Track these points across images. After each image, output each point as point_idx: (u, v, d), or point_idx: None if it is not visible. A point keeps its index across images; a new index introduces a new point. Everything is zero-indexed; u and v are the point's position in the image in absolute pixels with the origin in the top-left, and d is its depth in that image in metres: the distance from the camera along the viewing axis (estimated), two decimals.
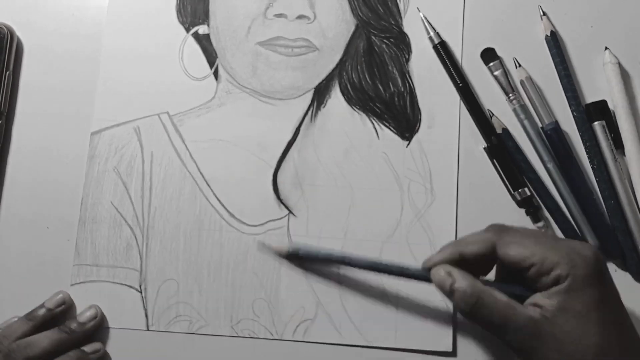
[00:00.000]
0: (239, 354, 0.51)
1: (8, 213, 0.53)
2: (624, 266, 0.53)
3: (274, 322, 0.52)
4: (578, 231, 0.53)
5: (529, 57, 0.55)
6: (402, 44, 0.56)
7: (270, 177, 0.54)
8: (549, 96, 0.55)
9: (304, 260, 0.51)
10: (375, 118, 0.55)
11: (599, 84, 0.55)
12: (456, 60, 0.55)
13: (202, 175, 0.54)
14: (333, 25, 0.56)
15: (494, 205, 0.54)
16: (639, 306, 0.51)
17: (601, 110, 0.54)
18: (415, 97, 0.55)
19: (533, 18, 0.56)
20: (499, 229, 0.45)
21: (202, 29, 0.56)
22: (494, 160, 0.54)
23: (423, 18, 0.56)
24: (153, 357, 0.51)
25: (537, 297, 0.42)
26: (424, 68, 0.56)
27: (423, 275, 0.46)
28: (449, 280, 0.43)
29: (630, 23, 0.56)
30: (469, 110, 0.55)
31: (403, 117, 0.55)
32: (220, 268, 0.52)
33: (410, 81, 0.55)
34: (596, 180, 0.53)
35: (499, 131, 0.54)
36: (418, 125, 0.55)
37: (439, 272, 0.44)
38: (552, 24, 0.55)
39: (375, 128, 0.55)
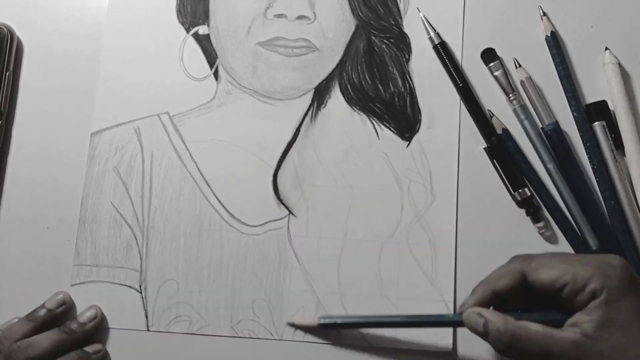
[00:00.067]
0: (239, 354, 0.51)
1: (8, 213, 0.53)
2: None
3: (274, 322, 0.52)
4: (578, 231, 0.53)
5: (529, 58, 0.55)
6: (402, 44, 0.56)
7: (270, 178, 0.54)
8: (549, 96, 0.55)
9: (339, 328, 0.51)
10: (375, 118, 0.55)
11: (599, 84, 0.55)
12: (456, 60, 0.55)
13: (202, 176, 0.54)
14: (333, 25, 0.56)
15: (494, 205, 0.54)
16: None
17: (601, 110, 0.54)
18: (416, 97, 0.55)
19: (533, 18, 0.56)
20: (524, 258, 0.44)
21: (202, 29, 0.56)
22: (494, 161, 0.54)
23: (423, 18, 0.56)
24: (153, 357, 0.51)
25: (577, 316, 0.41)
26: (424, 68, 0.56)
27: (461, 321, 0.44)
28: (481, 321, 0.42)
29: (630, 23, 0.56)
30: (469, 111, 0.55)
31: (403, 118, 0.55)
32: (220, 268, 0.52)
33: (410, 81, 0.55)
34: (596, 181, 0.53)
35: (499, 131, 0.54)
36: (418, 125, 0.55)
37: (470, 316, 0.43)
38: (552, 24, 0.55)
39: (375, 128, 0.55)
